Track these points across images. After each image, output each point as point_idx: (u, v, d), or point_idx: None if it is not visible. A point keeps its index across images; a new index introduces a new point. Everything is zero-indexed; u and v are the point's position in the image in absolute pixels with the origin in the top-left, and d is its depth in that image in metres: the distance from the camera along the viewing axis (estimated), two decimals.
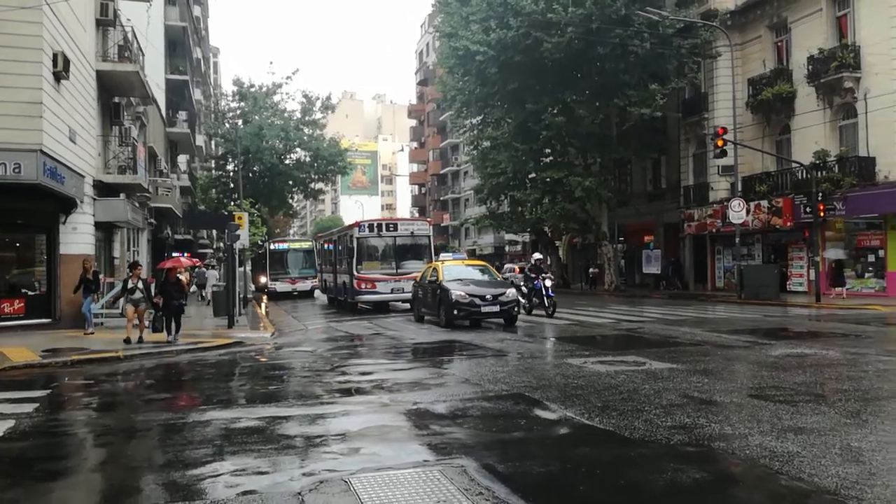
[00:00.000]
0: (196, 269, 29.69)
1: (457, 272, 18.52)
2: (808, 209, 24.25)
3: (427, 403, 7.79)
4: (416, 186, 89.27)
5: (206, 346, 14.40)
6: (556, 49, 27.71)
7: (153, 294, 15.57)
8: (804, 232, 25.97)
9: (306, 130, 47.45)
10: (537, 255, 23.17)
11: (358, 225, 24.08)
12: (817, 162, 25.19)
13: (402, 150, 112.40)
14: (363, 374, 10.32)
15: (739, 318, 18.70)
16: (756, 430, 6.16)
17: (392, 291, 23.16)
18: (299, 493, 4.75)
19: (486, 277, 18.62)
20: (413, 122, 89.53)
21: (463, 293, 16.86)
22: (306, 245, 39.36)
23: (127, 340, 14.23)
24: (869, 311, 19.49)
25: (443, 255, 22.27)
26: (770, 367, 9.80)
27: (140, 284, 14.89)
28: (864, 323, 16.39)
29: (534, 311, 19.90)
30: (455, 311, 16.85)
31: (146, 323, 15.38)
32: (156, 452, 6.27)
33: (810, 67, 26.10)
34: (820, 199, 23.55)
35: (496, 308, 16.84)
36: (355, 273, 23.09)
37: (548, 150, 34.24)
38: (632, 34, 27.69)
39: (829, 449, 5.53)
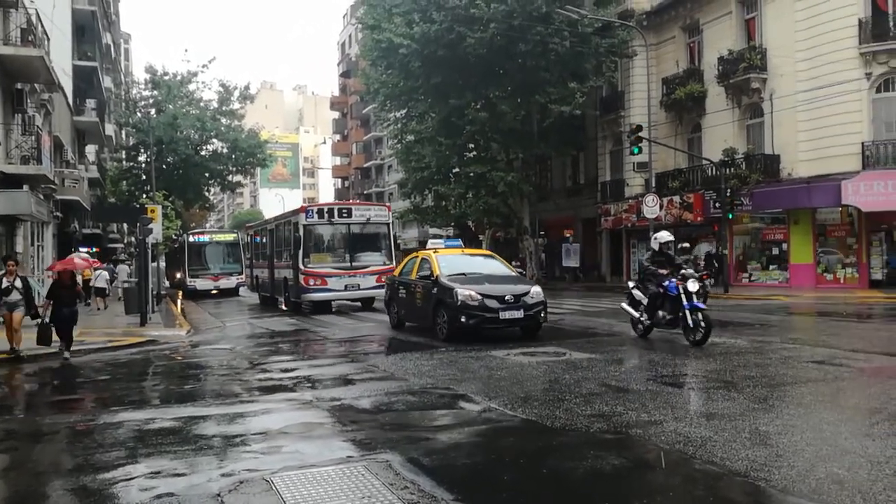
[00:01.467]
0: (97, 270, 23.86)
1: (458, 264, 14.04)
2: (717, 204, 25.33)
3: (351, 399, 7.71)
4: (340, 180, 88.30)
5: (117, 344, 13.80)
6: (479, 44, 27.88)
7: (36, 297, 13.22)
8: (713, 226, 27.14)
9: (224, 121, 46.06)
10: (665, 235, 12.64)
11: (305, 210, 20.64)
12: (726, 159, 26.38)
13: (325, 142, 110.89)
14: (285, 370, 10.12)
15: None
16: (671, 417, 6.39)
17: (346, 289, 20.17)
18: (218, 495, 4.60)
19: (498, 271, 14.14)
20: (336, 115, 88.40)
21: (472, 293, 12.36)
22: (230, 237, 35.78)
23: (11, 351, 12.03)
24: (774, 301, 20.56)
25: (433, 242, 16.27)
26: (683, 356, 10.18)
27: (17, 283, 12.15)
28: (770, 312, 17.27)
29: (671, 331, 12.09)
30: (463, 318, 12.30)
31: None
32: (64, 456, 5.96)
33: (720, 68, 27.24)
34: (728, 195, 24.66)
35: (519, 313, 12.41)
36: (302, 267, 19.82)
37: (471, 145, 34.50)
38: (552, 32, 28.16)
39: (739, 433, 5.78)
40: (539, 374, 8.87)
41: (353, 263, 20.36)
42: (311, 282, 19.81)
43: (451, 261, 14.12)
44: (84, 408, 8.29)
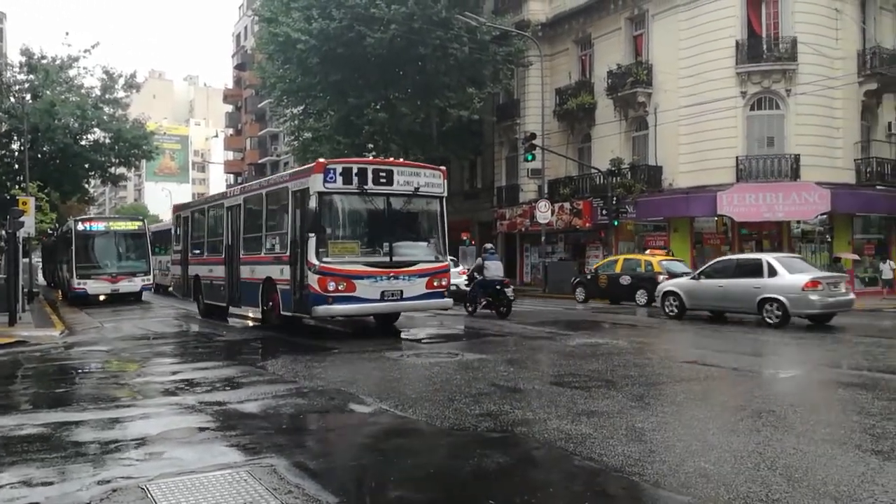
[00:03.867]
0: None
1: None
2: (603, 212, 26.46)
3: (236, 403, 7.49)
4: (232, 175, 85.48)
5: None
6: (378, 45, 27.81)
7: None
8: (600, 232, 28.32)
9: (107, 109, 43.49)
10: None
11: (324, 169, 12.56)
12: (613, 169, 27.62)
13: (217, 136, 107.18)
14: (167, 373, 9.70)
15: (544, 310, 19.97)
16: (554, 415, 6.61)
17: (383, 298, 12.78)
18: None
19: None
20: (229, 108, 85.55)
21: None
22: (134, 226, 27.27)
23: None
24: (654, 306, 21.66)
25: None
26: (568, 356, 10.57)
27: None
28: (651, 315, 18.20)
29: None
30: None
31: None
32: None
33: (609, 81, 28.47)
34: (614, 202, 25.81)
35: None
36: (315, 262, 12.32)
37: (370, 146, 34.33)
38: (452, 37, 28.49)
39: (616, 430, 6.06)
40: (431, 375, 8.95)
41: (394, 258, 13.01)
42: (331, 285, 12.29)
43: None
44: None
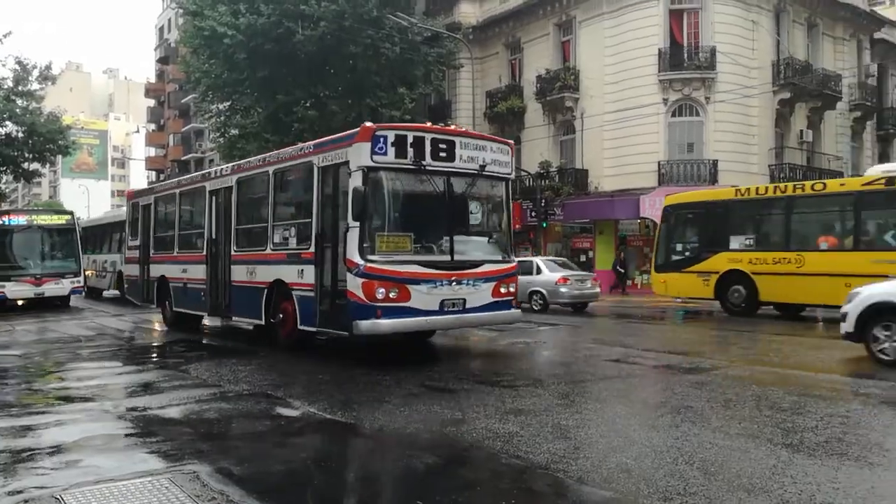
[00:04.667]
0: None
1: None
2: (533, 213, 26.91)
3: (157, 408, 7.25)
4: (154, 172, 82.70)
5: None
6: (308, 42, 27.45)
7: None
8: (530, 233, 28.79)
9: (20, 102, 41.38)
10: None
11: (371, 136, 9.39)
12: (542, 171, 28.16)
13: (138, 131, 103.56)
14: (84, 378, 9.31)
15: None
16: (482, 414, 6.68)
17: (442, 308, 9.78)
18: None
19: None
20: (151, 102, 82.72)
21: None
22: (61, 220, 23.50)
23: None
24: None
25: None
26: (498, 356, 10.70)
27: None
28: (576, 315, 18.64)
29: None
30: None
31: None
32: None
33: (538, 86, 29.00)
34: (543, 205, 26.30)
35: None
36: (360, 261, 9.30)
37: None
38: (383, 37, 28.40)
39: (542, 428, 6.18)
40: (362, 377, 8.90)
41: (456, 256, 10.08)
42: (381, 292, 9.24)
43: None
44: None
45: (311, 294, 10.16)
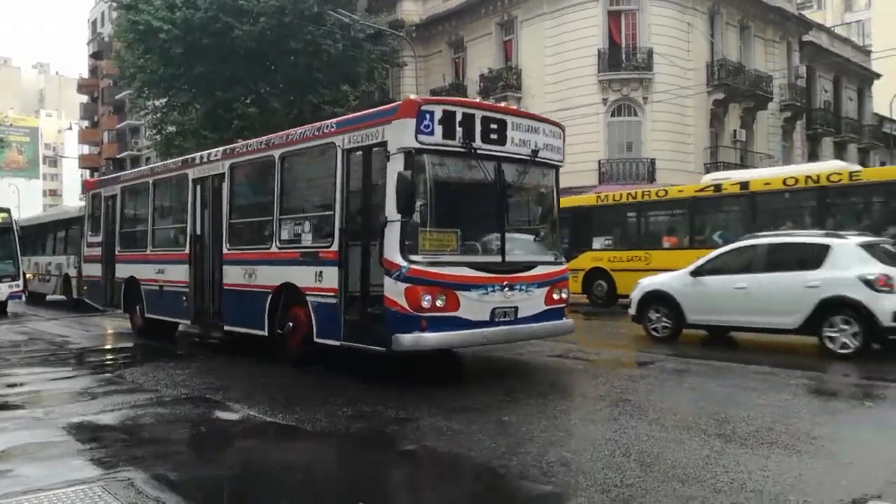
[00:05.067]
0: None
1: None
2: None
3: (92, 415, 7.03)
4: (88, 171, 79.97)
5: None
6: (248, 37, 26.97)
7: None
8: None
9: None
10: None
11: (417, 112, 7.82)
12: None
13: (71, 128, 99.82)
14: (13, 385, 8.95)
15: None
16: (426, 413, 6.70)
17: (493, 319, 8.29)
18: None
19: None
20: (84, 99, 79.93)
21: None
22: None
23: None
24: None
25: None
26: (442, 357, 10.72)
27: None
28: None
29: None
30: None
31: None
32: None
33: (482, 85, 29.18)
34: None
35: None
36: (401, 262, 7.70)
37: (240, 141, 33.25)
38: (325, 33, 28.14)
39: (485, 425, 6.24)
40: (305, 377, 8.81)
41: (506, 257, 8.61)
42: (426, 299, 7.74)
43: None
44: None
45: (334, 301, 8.50)
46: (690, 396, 7.69)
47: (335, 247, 8.62)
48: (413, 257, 7.70)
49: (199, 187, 11.72)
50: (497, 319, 8.25)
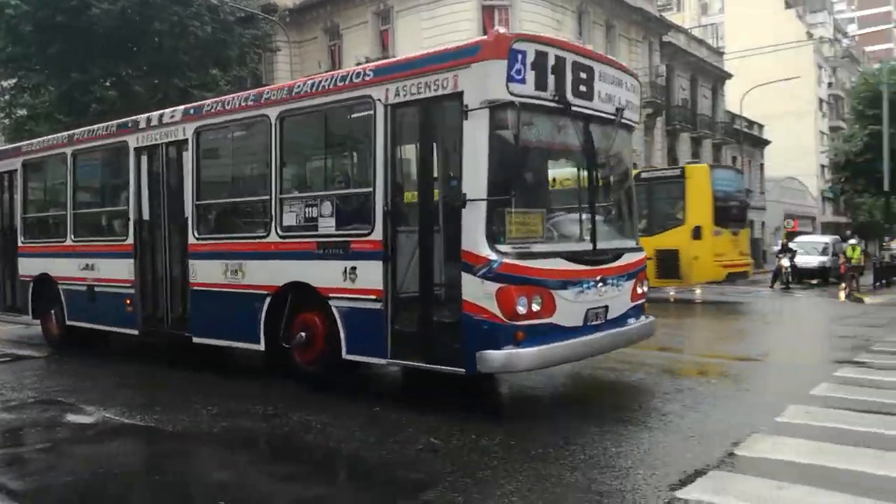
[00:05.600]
0: None
1: None
2: None
3: None
4: None
5: None
6: (107, 16, 25.30)
7: None
8: None
9: None
10: None
11: (509, 51, 5.87)
12: None
13: None
14: None
15: None
16: (296, 408, 6.61)
17: (587, 323, 6.53)
18: None
19: None
20: None
21: None
22: None
23: None
24: None
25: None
26: None
27: None
28: None
29: None
30: None
31: None
32: None
33: None
34: None
35: None
36: (489, 255, 5.86)
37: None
38: (192, 15, 26.88)
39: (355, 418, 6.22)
40: (168, 375, 8.44)
41: (597, 244, 6.83)
42: (522, 303, 5.90)
43: None
44: None
45: (375, 306, 6.52)
46: None
47: (377, 234, 6.55)
48: (501, 248, 5.91)
49: (145, 159, 9.16)
50: (590, 324, 6.56)
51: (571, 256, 6.42)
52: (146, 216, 9.13)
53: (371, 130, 6.64)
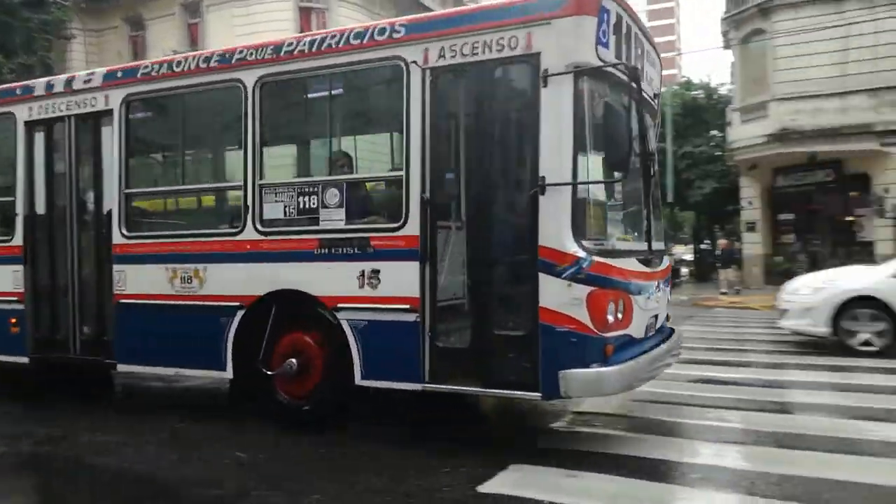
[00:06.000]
0: None
1: None
2: None
3: None
4: None
5: None
6: None
7: None
8: None
9: None
10: None
11: (598, 7, 4.90)
12: None
13: None
14: None
15: None
16: (86, 429, 6.28)
17: (647, 334, 5.66)
18: None
19: None
20: None
21: None
22: None
23: None
24: None
25: None
26: None
27: None
28: None
29: None
30: None
31: None
32: None
33: None
34: None
35: None
36: (580, 251, 4.84)
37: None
38: None
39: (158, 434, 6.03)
40: None
41: (654, 245, 6.06)
42: (611, 311, 4.94)
43: None
44: None
45: (408, 318, 5.28)
46: None
47: (411, 228, 5.30)
48: (587, 244, 4.94)
49: (41, 136, 7.30)
50: (648, 335, 5.65)
51: (640, 257, 5.63)
52: (41, 210, 7.29)
53: (403, 100, 5.38)
